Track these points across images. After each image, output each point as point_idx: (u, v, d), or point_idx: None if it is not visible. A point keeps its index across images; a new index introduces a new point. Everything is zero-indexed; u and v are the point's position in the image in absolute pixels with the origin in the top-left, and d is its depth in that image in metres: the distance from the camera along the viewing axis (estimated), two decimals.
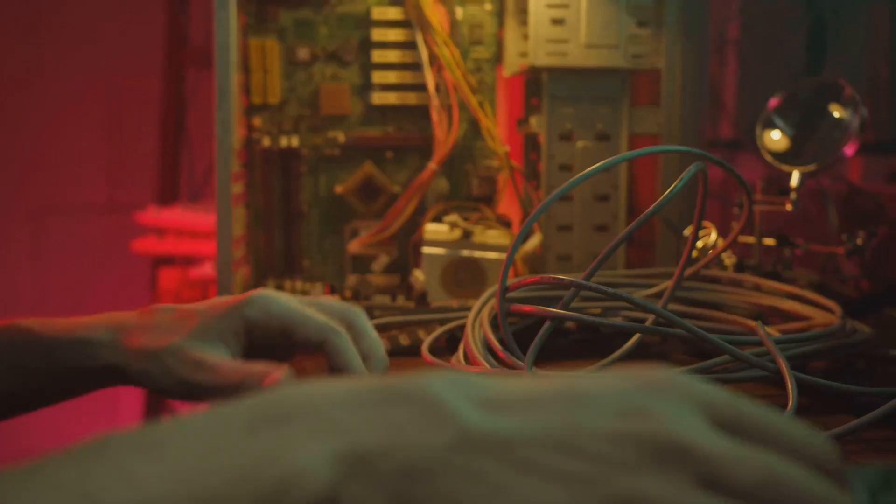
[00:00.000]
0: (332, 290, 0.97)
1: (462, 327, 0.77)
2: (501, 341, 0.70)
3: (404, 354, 0.79)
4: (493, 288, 0.75)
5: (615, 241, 0.68)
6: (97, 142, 2.39)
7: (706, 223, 0.88)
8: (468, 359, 0.70)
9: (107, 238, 2.29)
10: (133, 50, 2.33)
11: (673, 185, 0.66)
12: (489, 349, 0.70)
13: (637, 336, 0.74)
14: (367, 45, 0.98)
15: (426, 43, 0.97)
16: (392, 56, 0.98)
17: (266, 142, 0.98)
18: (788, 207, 0.89)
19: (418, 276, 0.92)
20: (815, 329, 0.72)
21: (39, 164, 2.31)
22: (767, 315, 0.82)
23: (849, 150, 0.89)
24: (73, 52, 2.34)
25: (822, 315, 0.76)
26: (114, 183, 2.39)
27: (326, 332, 0.59)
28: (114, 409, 2.21)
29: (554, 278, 0.69)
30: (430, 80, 0.97)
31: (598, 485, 0.32)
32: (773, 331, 0.75)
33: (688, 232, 0.85)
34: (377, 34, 0.98)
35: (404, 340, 0.79)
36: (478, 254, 0.92)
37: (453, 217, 0.94)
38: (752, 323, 0.71)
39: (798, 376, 0.62)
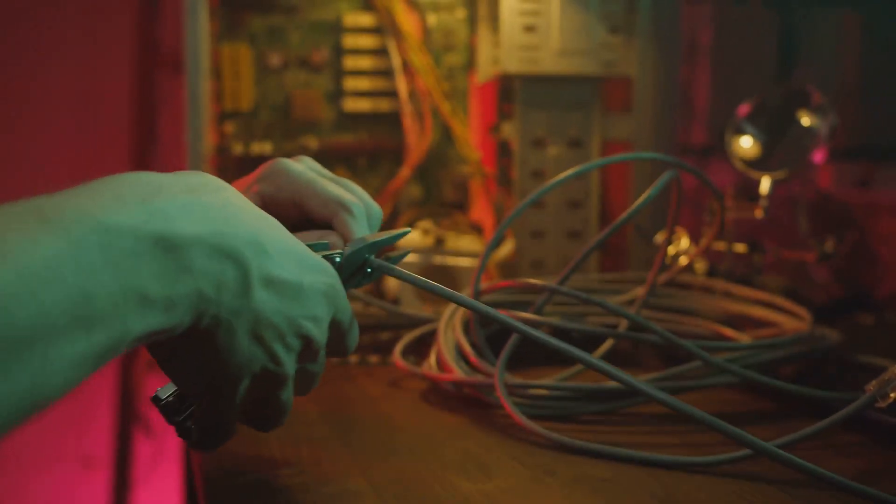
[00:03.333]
0: None
1: (434, 333, 0.77)
2: (474, 346, 0.70)
3: (376, 362, 0.79)
4: (467, 293, 0.75)
5: (588, 247, 0.68)
6: (66, 148, 2.37)
7: (678, 229, 0.88)
8: (440, 364, 0.70)
9: None
10: (103, 55, 2.32)
11: (646, 194, 0.66)
12: (461, 354, 0.70)
13: (610, 341, 0.74)
14: (339, 52, 0.98)
15: (399, 49, 0.97)
16: (364, 62, 0.98)
17: (238, 148, 0.98)
18: (759, 214, 0.90)
19: (391, 282, 0.92)
20: (785, 335, 0.72)
21: (6, 170, 2.29)
22: (738, 321, 0.82)
23: (818, 156, 0.90)
24: (41, 56, 2.32)
25: (792, 321, 0.77)
26: None
27: (336, 208, 0.54)
28: (84, 430, 2.19)
29: (526, 283, 0.70)
30: (402, 86, 0.97)
31: None
32: (744, 336, 0.76)
33: (659, 238, 0.85)
34: (349, 41, 0.98)
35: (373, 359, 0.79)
36: (450, 260, 0.92)
37: (426, 223, 0.94)
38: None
39: (767, 381, 0.63)
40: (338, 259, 0.52)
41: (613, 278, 0.87)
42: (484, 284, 0.71)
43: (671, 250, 0.87)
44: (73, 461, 2.38)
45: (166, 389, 0.51)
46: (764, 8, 1.22)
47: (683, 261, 0.81)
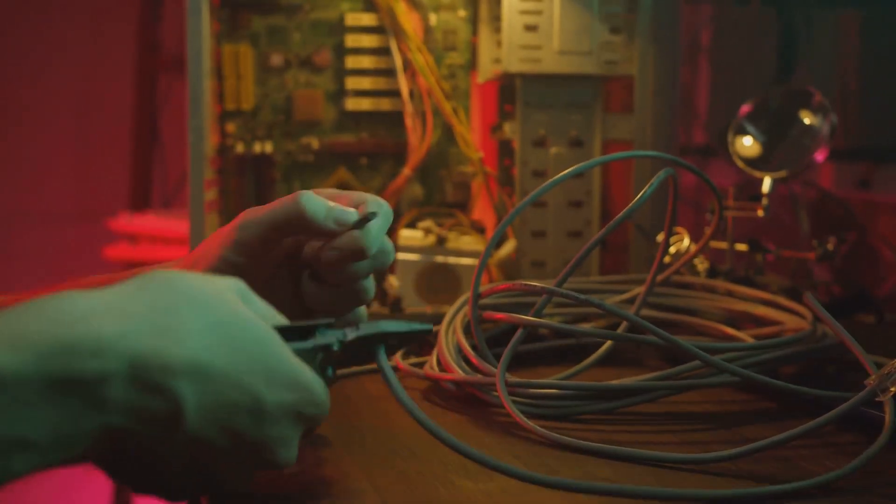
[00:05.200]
0: None
1: (436, 334, 0.77)
2: (474, 348, 0.70)
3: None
4: (467, 294, 0.75)
5: (585, 247, 0.68)
6: (68, 149, 2.37)
7: (679, 229, 0.88)
8: (441, 364, 0.70)
9: (79, 245, 2.28)
10: (105, 56, 2.32)
11: (642, 192, 0.67)
12: (462, 355, 0.70)
13: (610, 342, 0.74)
14: (340, 51, 0.98)
15: (400, 49, 0.97)
16: (366, 62, 0.98)
17: (239, 148, 0.98)
18: (760, 213, 0.90)
19: (393, 282, 0.92)
20: (787, 334, 0.72)
21: (8, 171, 2.29)
22: (739, 320, 0.82)
23: (819, 156, 0.90)
24: (44, 58, 2.32)
25: (794, 320, 0.77)
26: (85, 190, 2.37)
27: (366, 197, 0.60)
28: None
29: (525, 285, 0.70)
30: (403, 86, 0.97)
31: None
32: (745, 336, 0.76)
33: (660, 238, 0.85)
34: (351, 40, 0.98)
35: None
36: (452, 260, 0.92)
37: (427, 223, 0.94)
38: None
39: (767, 381, 0.63)
40: (336, 347, 0.50)
41: (614, 279, 0.87)
42: (483, 287, 0.71)
43: (672, 250, 0.87)
44: None
45: None
46: (764, 8, 1.23)
47: (682, 259, 0.81)
